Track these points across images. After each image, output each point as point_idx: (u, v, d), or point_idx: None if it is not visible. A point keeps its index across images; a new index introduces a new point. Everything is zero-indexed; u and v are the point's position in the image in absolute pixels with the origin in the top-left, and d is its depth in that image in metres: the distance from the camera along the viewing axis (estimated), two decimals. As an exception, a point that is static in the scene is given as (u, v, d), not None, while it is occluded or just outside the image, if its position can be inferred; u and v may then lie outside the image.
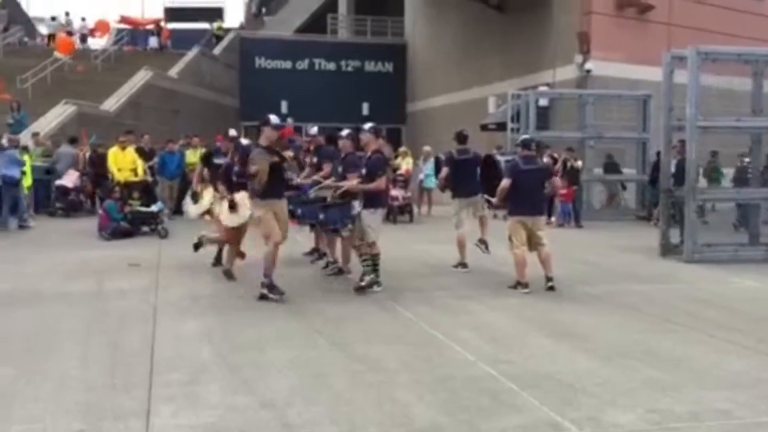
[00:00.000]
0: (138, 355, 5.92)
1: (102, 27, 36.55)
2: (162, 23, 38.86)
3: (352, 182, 8.64)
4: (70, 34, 32.44)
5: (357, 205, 8.68)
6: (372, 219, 8.54)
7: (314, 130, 11.55)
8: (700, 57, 11.28)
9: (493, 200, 9.28)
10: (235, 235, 9.24)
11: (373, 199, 8.57)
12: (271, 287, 8.00)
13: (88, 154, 17.89)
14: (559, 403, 4.86)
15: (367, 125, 8.92)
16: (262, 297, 7.98)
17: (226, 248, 9.67)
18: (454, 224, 10.41)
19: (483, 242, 10.41)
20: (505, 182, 8.87)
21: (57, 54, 27.63)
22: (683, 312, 7.84)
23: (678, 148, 12.91)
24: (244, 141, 9.36)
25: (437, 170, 10.97)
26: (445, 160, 10.52)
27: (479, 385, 5.25)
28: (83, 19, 35.73)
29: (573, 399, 4.97)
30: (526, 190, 8.83)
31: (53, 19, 34.80)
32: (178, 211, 17.55)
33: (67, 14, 34.48)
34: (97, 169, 17.47)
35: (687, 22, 20.92)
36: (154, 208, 14.04)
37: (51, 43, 33.19)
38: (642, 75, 19.49)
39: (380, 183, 8.52)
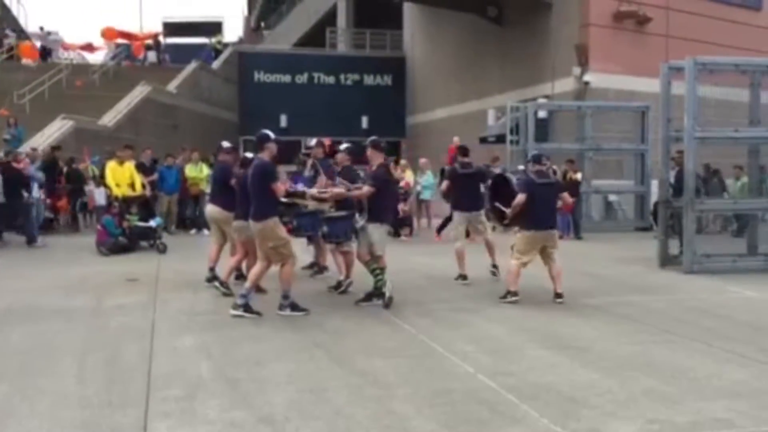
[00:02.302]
0: (135, 370, 5.89)
1: (110, 34, 36.47)
2: (160, 37, 38.95)
3: (339, 190, 8.76)
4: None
5: (359, 218, 8.69)
6: (377, 233, 8.53)
7: (312, 142, 11.53)
8: (697, 68, 11.30)
9: (508, 211, 9.24)
10: (253, 243, 8.94)
11: (378, 213, 8.57)
12: (294, 306, 8.01)
13: (65, 170, 17.59)
14: (560, 415, 4.83)
15: (371, 139, 8.94)
16: (286, 308, 7.99)
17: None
18: (453, 237, 10.43)
19: (495, 267, 10.39)
20: (521, 197, 8.87)
21: (24, 61, 27.93)
22: (683, 322, 7.82)
23: (677, 158, 12.92)
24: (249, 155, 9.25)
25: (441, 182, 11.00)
26: (447, 172, 10.54)
27: (479, 397, 5.23)
28: (49, 33, 35.93)
29: (573, 410, 4.94)
30: (541, 204, 8.85)
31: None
32: (178, 225, 17.64)
33: (41, 29, 34.83)
34: (73, 184, 17.27)
35: (684, 33, 21.00)
36: (152, 223, 14.00)
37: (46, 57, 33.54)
38: (640, 86, 19.57)
39: (367, 191, 8.48)
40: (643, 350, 6.61)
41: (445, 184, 10.36)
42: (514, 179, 9.72)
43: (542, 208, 8.88)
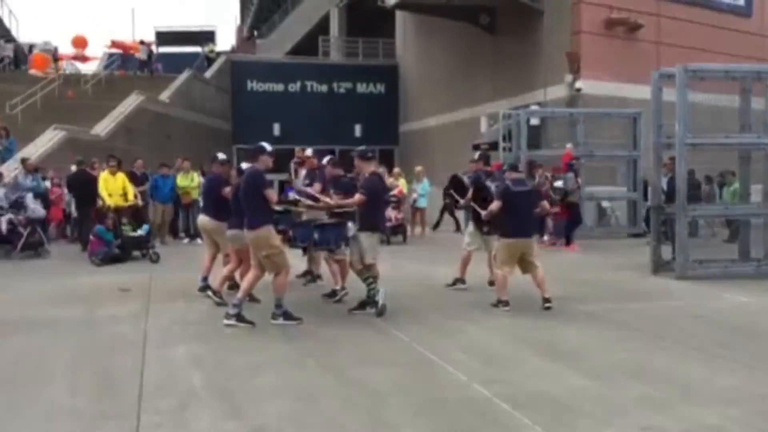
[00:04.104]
0: (127, 382, 5.86)
1: (80, 42, 36.32)
2: (152, 47, 38.94)
3: (327, 200, 8.79)
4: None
5: (352, 227, 8.68)
6: (369, 241, 8.52)
7: (309, 151, 11.57)
8: (687, 74, 11.35)
9: (483, 213, 9.30)
10: (247, 252, 8.91)
11: (370, 222, 8.57)
12: (287, 315, 7.99)
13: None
14: (553, 423, 4.83)
15: (360, 149, 8.94)
16: (278, 317, 7.98)
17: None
18: (466, 243, 10.34)
19: (491, 284, 10.31)
20: (495, 204, 8.99)
21: (32, 71, 27.68)
22: (675, 329, 7.83)
23: (669, 165, 12.95)
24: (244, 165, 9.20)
25: (457, 189, 10.71)
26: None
27: (472, 406, 5.22)
28: (8, 41, 35.92)
29: (567, 418, 4.94)
30: (519, 212, 8.89)
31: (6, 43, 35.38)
32: (173, 233, 17.62)
33: (7, 41, 34.83)
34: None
35: (675, 40, 21.08)
36: (140, 231, 13.95)
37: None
38: (632, 93, 19.60)
39: (358, 199, 8.49)
40: (636, 357, 6.62)
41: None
42: (492, 186, 9.74)
43: (519, 216, 8.91)
